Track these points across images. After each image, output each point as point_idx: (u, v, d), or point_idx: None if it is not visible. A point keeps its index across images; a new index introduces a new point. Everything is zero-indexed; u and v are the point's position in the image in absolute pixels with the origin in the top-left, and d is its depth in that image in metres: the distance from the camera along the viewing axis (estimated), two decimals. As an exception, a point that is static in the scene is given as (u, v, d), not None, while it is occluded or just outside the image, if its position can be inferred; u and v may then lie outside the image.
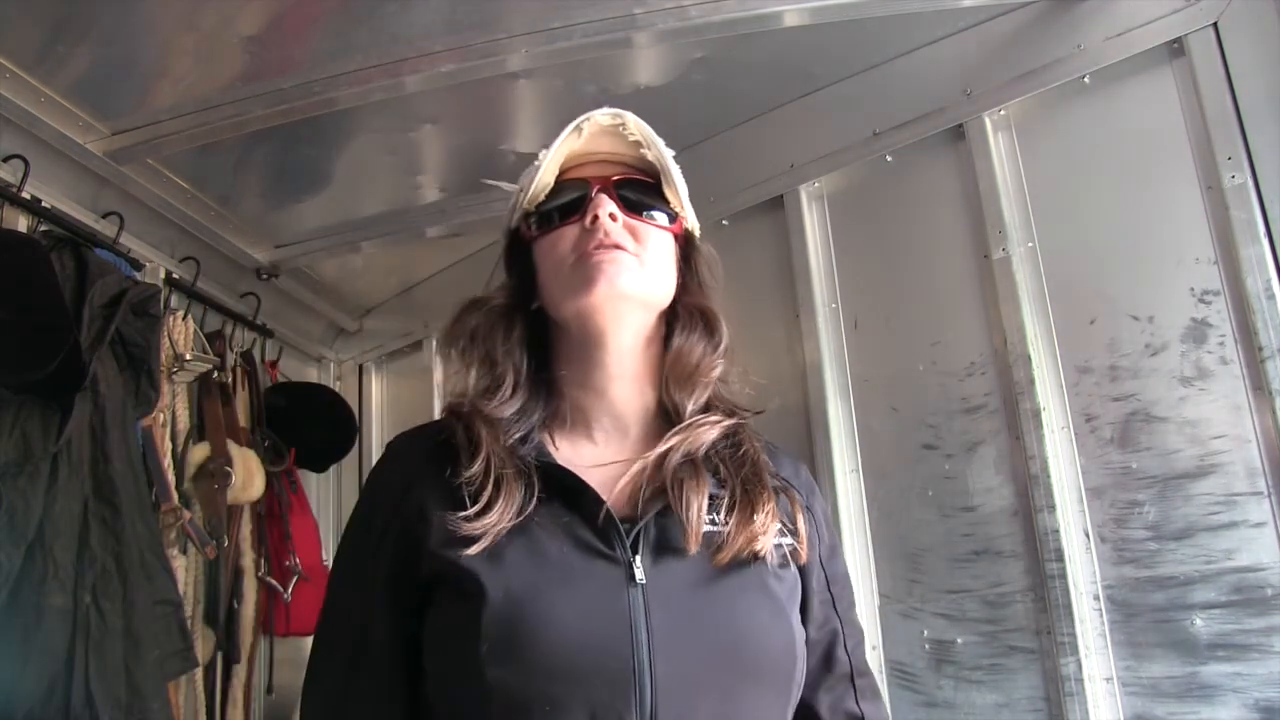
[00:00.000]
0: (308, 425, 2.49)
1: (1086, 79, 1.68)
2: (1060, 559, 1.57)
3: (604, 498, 0.90)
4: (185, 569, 1.99)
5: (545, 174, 0.96)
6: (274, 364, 2.62)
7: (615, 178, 0.98)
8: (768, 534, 0.91)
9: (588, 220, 0.95)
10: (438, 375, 2.64)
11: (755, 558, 0.90)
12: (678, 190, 1.01)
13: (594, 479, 0.92)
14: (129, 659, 1.63)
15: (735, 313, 2.16)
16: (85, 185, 1.97)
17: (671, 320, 1.02)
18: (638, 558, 0.86)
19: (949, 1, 1.74)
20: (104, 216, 2.00)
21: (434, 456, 0.94)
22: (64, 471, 1.64)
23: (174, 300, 2.21)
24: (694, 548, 0.88)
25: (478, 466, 0.89)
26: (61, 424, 1.64)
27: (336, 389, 2.87)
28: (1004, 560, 1.66)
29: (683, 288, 1.03)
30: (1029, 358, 1.66)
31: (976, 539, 1.70)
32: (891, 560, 1.80)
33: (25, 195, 1.78)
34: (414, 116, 1.94)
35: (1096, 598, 1.55)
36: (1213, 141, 1.52)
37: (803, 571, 0.97)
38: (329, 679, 0.94)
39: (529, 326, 1.01)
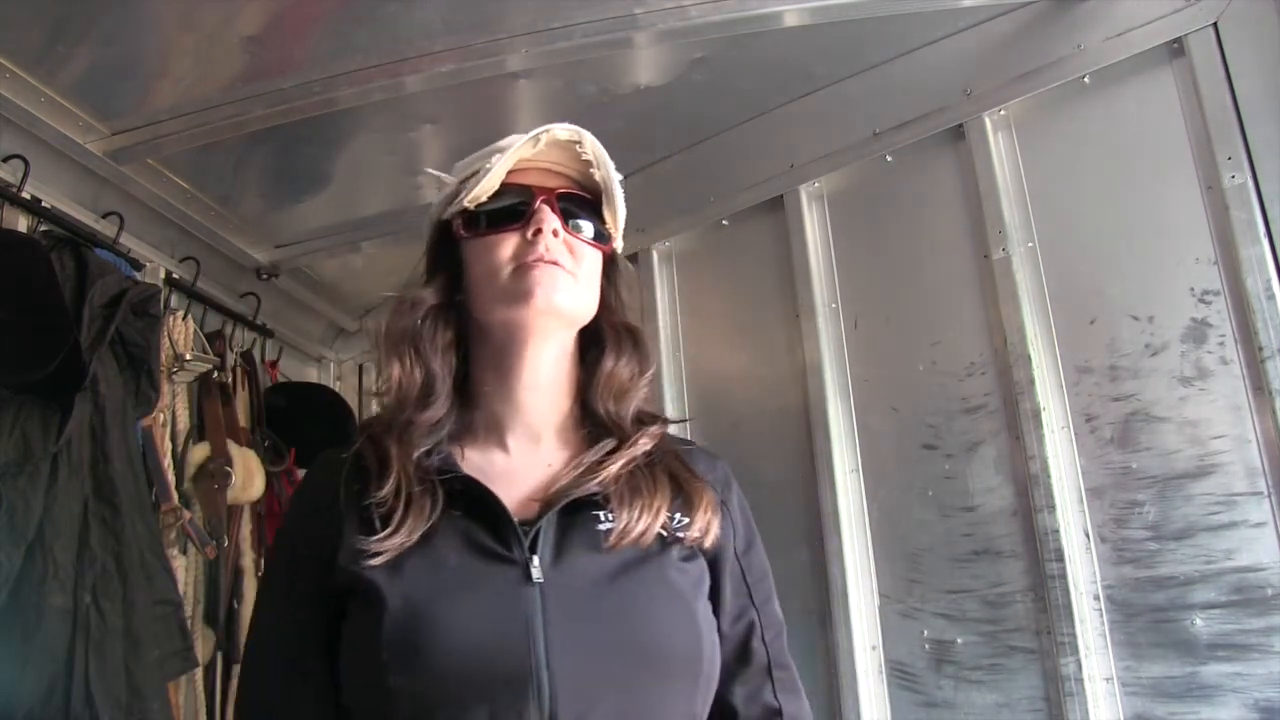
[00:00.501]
0: (308, 425, 2.49)
1: (1086, 79, 1.68)
2: (1060, 559, 1.57)
3: (508, 502, 0.91)
4: (185, 569, 1.99)
5: (493, 177, 0.95)
6: (274, 364, 2.62)
7: (559, 190, 0.98)
8: (656, 521, 0.92)
9: (530, 232, 0.95)
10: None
11: (658, 551, 0.91)
12: (616, 212, 1.01)
13: (501, 486, 0.93)
14: (129, 659, 1.63)
15: (735, 313, 2.18)
16: (85, 185, 1.97)
17: (591, 336, 1.03)
18: (535, 558, 0.87)
19: (949, 1, 1.74)
20: (104, 216, 2.00)
21: (349, 475, 0.95)
22: (64, 471, 1.64)
23: (174, 300, 2.21)
24: (615, 544, 0.90)
25: (388, 488, 0.90)
26: (61, 424, 1.64)
27: (336, 389, 2.87)
28: (1004, 560, 1.66)
29: (604, 305, 1.04)
30: (1029, 358, 1.66)
31: (976, 539, 1.70)
32: (891, 560, 1.80)
33: (25, 195, 1.78)
34: (414, 116, 1.94)
35: (1096, 598, 1.55)
36: (1213, 141, 1.52)
37: (714, 563, 0.97)
38: (261, 689, 0.96)
39: (457, 326, 1.02)
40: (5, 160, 1.77)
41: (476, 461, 0.98)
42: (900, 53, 1.90)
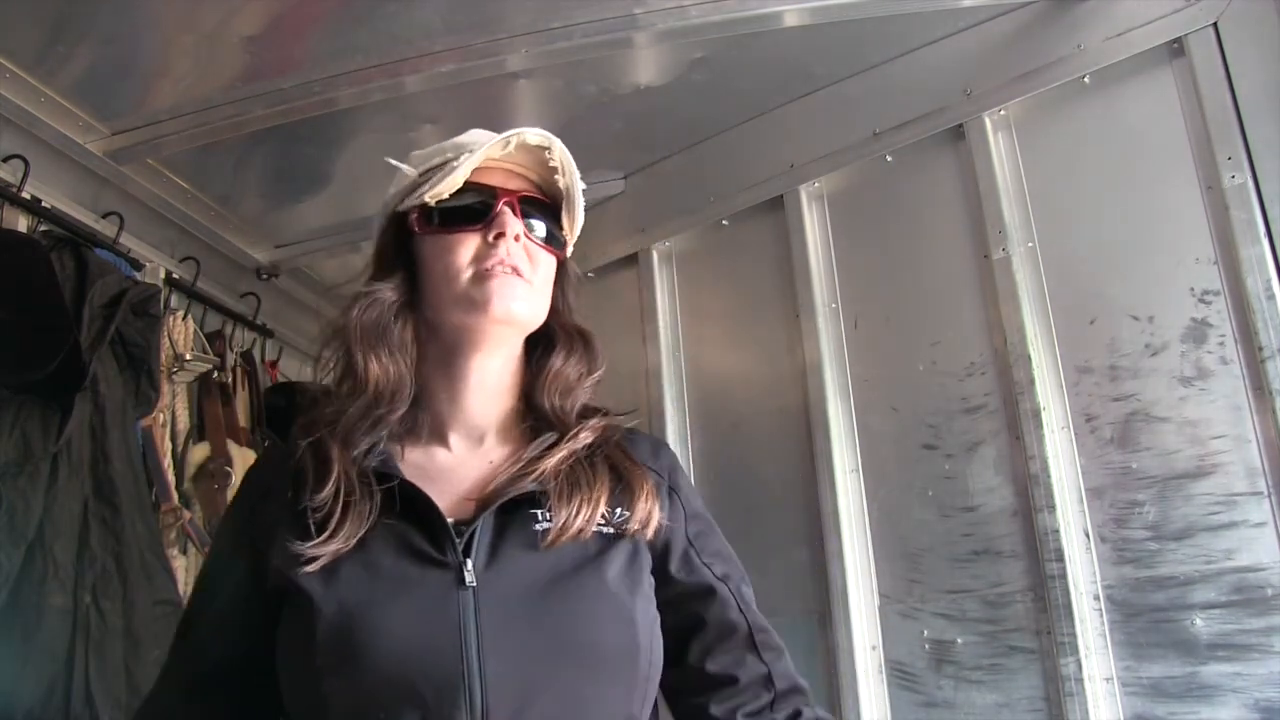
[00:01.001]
0: (308, 425, 2.48)
1: (1086, 79, 1.68)
2: (1060, 559, 1.57)
3: (445, 503, 0.90)
4: (185, 569, 1.99)
5: (459, 175, 0.94)
6: (274, 364, 2.62)
7: (522, 193, 0.98)
8: (595, 513, 0.91)
9: (491, 235, 0.94)
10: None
11: (597, 548, 0.91)
12: (575, 220, 1.02)
13: (440, 486, 0.93)
14: (129, 659, 1.63)
15: (735, 313, 2.19)
16: (85, 185, 1.97)
17: (538, 337, 1.02)
18: (469, 561, 0.86)
19: (949, 1, 1.75)
20: (104, 216, 2.00)
21: (285, 481, 0.94)
22: (64, 471, 1.64)
23: (174, 300, 2.21)
24: (553, 542, 0.89)
25: (327, 491, 0.89)
26: (61, 424, 1.64)
27: (336, 389, 2.87)
28: (1004, 560, 1.66)
29: (555, 308, 1.03)
30: (1029, 358, 1.66)
31: (976, 539, 1.70)
32: (891, 560, 1.80)
33: (25, 195, 1.78)
34: (414, 116, 1.94)
35: (1096, 598, 1.55)
36: (1213, 141, 1.52)
37: (664, 552, 0.97)
38: (168, 695, 0.97)
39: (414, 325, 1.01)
40: (5, 160, 1.77)
41: (418, 461, 0.97)
42: (900, 53, 1.90)
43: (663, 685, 0.94)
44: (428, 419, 0.99)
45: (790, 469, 1.95)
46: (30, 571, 1.57)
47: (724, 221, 2.15)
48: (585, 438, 0.97)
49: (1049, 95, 1.72)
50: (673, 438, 2.12)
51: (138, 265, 2.07)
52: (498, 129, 0.99)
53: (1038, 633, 1.60)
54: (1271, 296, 1.44)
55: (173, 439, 2.09)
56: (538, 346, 1.02)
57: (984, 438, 1.72)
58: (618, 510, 0.94)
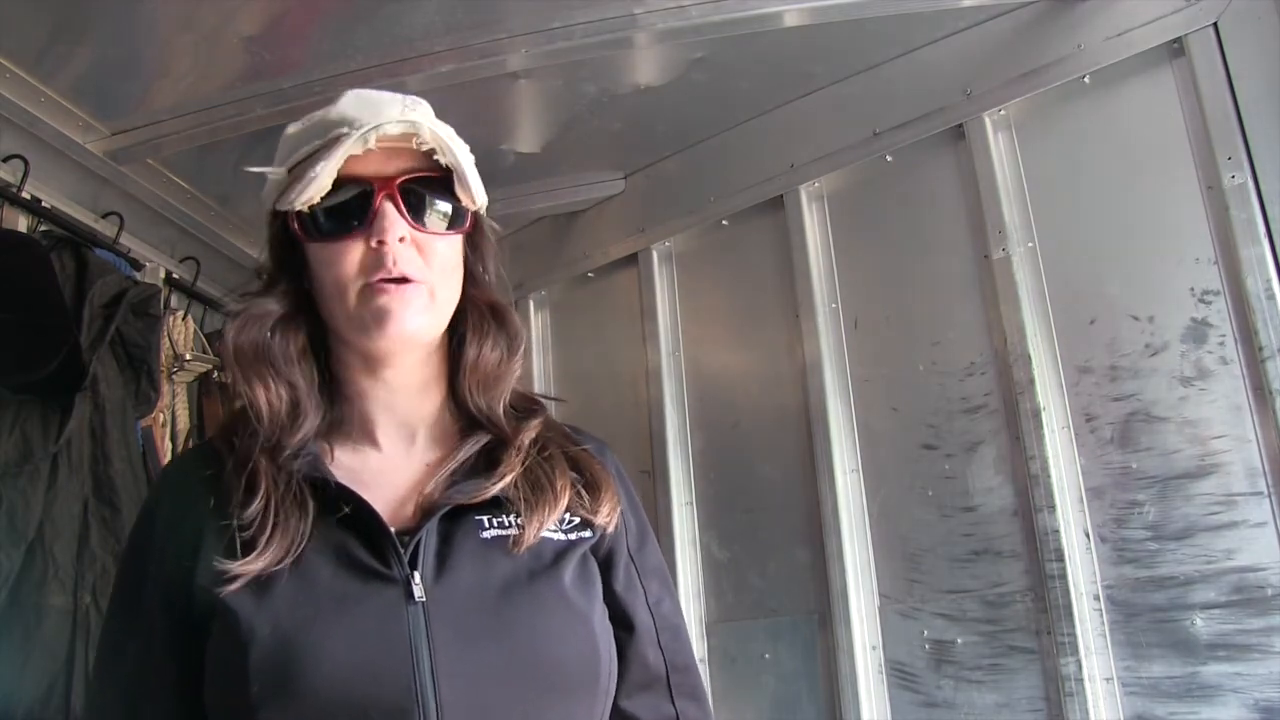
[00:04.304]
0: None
1: (1086, 79, 1.68)
2: (1060, 559, 1.57)
3: (383, 509, 0.83)
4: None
5: (322, 180, 0.84)
6: (274, 364, 2.61)
7: (402, 179, 0.86)
8: (556, 513, 0.87)
9: (373, 241, 0.84)
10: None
11: (552, 556, 0.85)
12: (471, 189, 0.89)
13: (376, 490, 0.86)
14: (129, 659, 1.63)
15: (735, 313, 2.18)
16: (85, 185, 1.97)
17: (460, 317, 0.93)
18: (417, 573, 0.80)
19: (949, 1, 1.74)
20: (104, 216, 2.00)
21: (206, 490, 0.86)
22: (64, 471, 1.64)
23: (174, 300, 2.21)
24: (516, 550, 0.84)
25: (255, 505, 0.81)
26: (61, 424, 1.64)
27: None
28: (1004, 560, 1.66)
29: (470, 280, 0.93)
30: (1029, 358, 1.66)
31: (976, 539, 1.70)
32: (891, 560, 1.80)
33: (25, 195, 1.78)
34: (414, 116, 1.94)
35: (1096, 598, 1.55)
36: (1213, 141, 1.52)
37: (607, 562, 0.92)
38: (108, 713, 0.87)
39: (308, 327, 0.92)
40: (5, 160, 1.77)
41: (348, 462, 0.90)
42: (900, 53, 1.90)
43: None
44: (354, 416, 0.92)
45: (790, 469, 1.95)
46: (30, 571, 1.57)
47: (724, 221, 2.15)
48: (531, 435, 0.91)
49: (1049, 95, 1.72)
50: (673, 438, 2.12)
51: (138, 265, 2.07)
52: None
53: (1038, 633, 1.60)
54: (1271, 296, 1.44)
55: (173, 439, 2.09)
56: (458, 330, 0.94)
57: (984, 438, 1.72)
58: (567, 515, 0.88)
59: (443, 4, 1.61)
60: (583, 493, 0.90)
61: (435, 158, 0.87)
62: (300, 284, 0.90)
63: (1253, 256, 1.46)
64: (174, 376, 2.11)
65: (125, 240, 2.01)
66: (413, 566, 0.80)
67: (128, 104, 1.82)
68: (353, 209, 0.85)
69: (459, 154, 0.88)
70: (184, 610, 0.82)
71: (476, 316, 0.93)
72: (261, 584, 0.79)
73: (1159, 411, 1.54)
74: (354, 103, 0.89)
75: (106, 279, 1.80)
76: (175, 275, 2.21)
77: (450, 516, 0.85)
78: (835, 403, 1.90)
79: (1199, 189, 1.53)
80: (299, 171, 0.87)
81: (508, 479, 0.86)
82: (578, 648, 0.83)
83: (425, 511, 0.85)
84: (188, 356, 2.13)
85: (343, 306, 0.86)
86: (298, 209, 0.85)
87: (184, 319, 2.18)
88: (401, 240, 0.84)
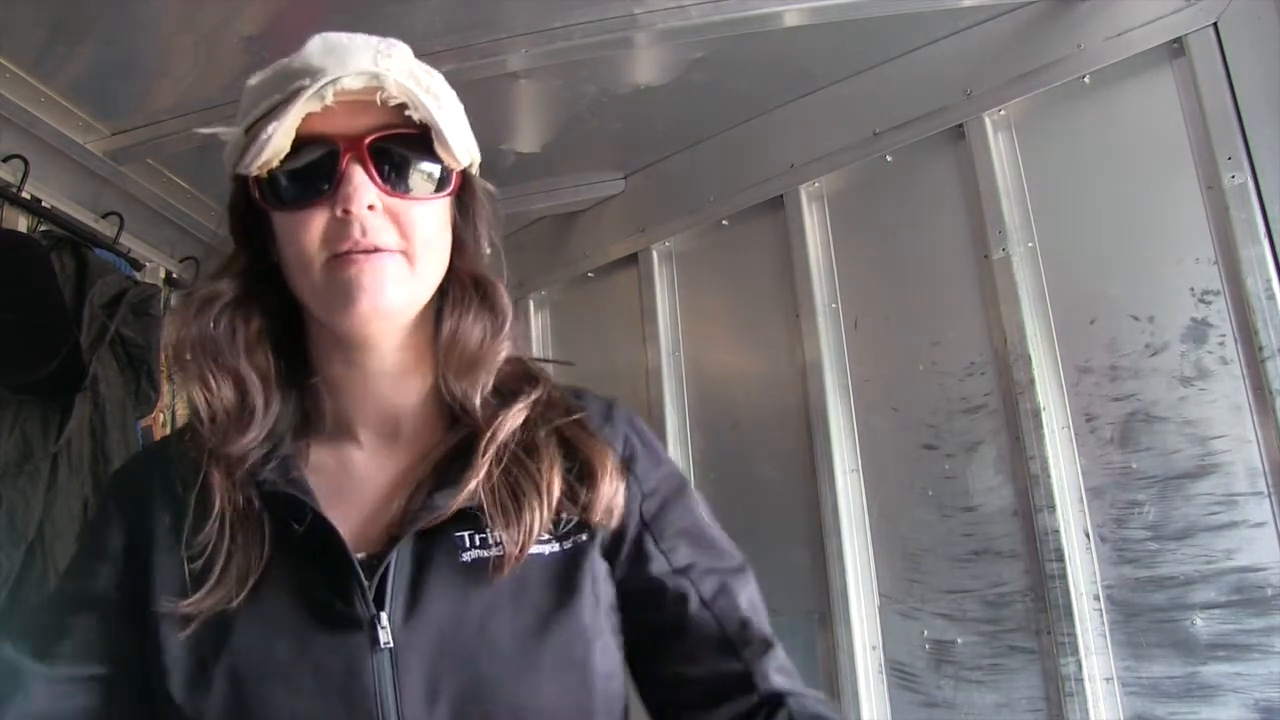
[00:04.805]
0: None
1: (1086, 79, 1.68)
2: (1060, 559, 1.57)
3: (354, 526, 0.73)
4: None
5: (279, 138, 0.71)
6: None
7: (373, 137, 0.72)
8: (542, 517, 0.73)
9: (339, 209, 0.71)
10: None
11: (541, 573, 0.73)
12: (451, 147, 0.75)
13: (351, 502, 0.76)
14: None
15: (735, 313, 2.18)
16: (85, 185, 1.97)
17: (443, 292, 0.80)
18: (384, 613, 0.69)
19: (949, 1, 1.74)
20: (104, 216, 2.00)
21: (159, 502, 0.77)
22: (64, 471, 1.64)
23: (174, 300, 2.21)
24: (495, 575, 0.71)
25: (207, 530, 0.71)
26: (61, 424, 1.64)
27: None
28: (1004, 560, 1.66)
29: (458, 248, 0.80)
30: (1029, 358, 1.66)
31: (976, 539, 1.70)
32: (891, 560, 1.80)
33: (25, 195, 1.78)
34: (414, 116, 1.94)
35: (1096, 598, 1.55)
36: (1213, 141, 1.52)
37: (613, 547, 0.78)
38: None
39: (268, 307, 0.79)
40: (5, 160, 1.77)
41: (325, 463, 0.79)
42: (900, 53, 1.90)
43: (644, 699, 0.80)
44: (331, 409, 0.80)
45: (790, 469, 1.95)
46: (30, 571, 1.57)
47: (724, 221, 2.15)
48: (509, 426, 0.76)
49: (1049, 95, 1.72)
50: (673, 438, 2.12)
51: (138, 265, 2.07)
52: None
53: (1038, 633, 1.60)
54: (1271, 296, 1.44)
55: (173, 439, 2.09)
56: (442, 305, 0.80)
57: (984, 438, 1.72)
58: (563, 516, 0.75)
59: (443, 4, 1.61)
60: (575, 486, 0.76)
61: (408, 113, 0.73)
62: (266, 259, 0.78)
63: (1253, 256, 1.46)
64: (174, 376, 2.11)
65: (125, 240, 2.01)
66: (380, 604, 0.69)
67: (128, 104, 1.82)
68: (317, 172, 0.72)
69: (437, 107, 0.75)
70: (140, 616, 0.73)
71: (458, 290, 0.79)
72: (215, 623, 0.70)
73: (1159, 411, 1.54)
74: (319, 49, 0.76)
75: (106, 279, 1.80)
76: (175, 275, 2.21)
77: (426, 534, 0.73)
78: (835, 403, 1.90)
79: (1199, 189, 1.53)
80: (255, 130, 0.74)
81: (470, 487, 0.73)
82: (567, 696, 0.72)
83: (393, 532, 0.73)
84: (188, 356, 2.13)
85: (307, 282, 0.73)
86: (254, 174, 0.73)
87: (184, 319, 2.18)
88: (372, 208, 0.72)
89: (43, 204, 1.84)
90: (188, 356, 0.76)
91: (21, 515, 1.57)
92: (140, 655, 0.72)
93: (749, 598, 0.80)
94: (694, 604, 0.77)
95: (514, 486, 0.74)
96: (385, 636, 0.69)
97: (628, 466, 0.80)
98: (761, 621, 0.79)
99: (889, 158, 1.92)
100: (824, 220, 2.02)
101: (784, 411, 1.98)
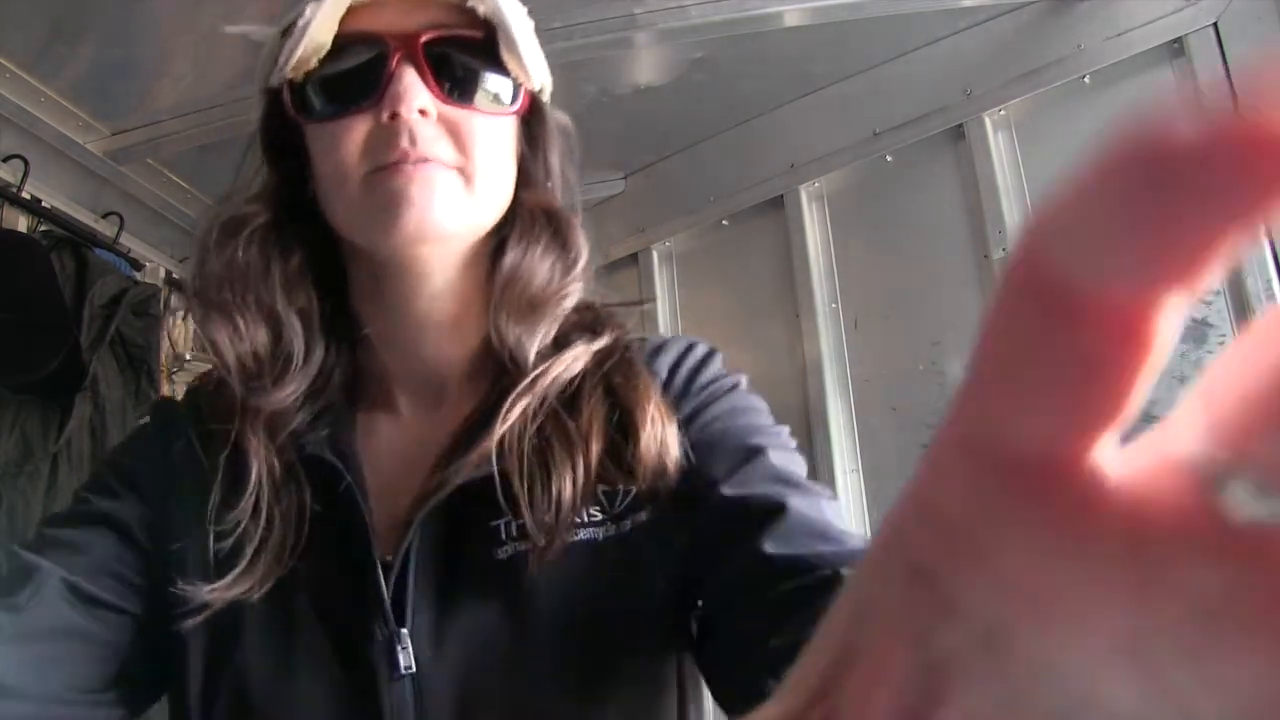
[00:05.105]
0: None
1: (1086, 79, 1.68)
2: (1060, 559, 1.57)
3: (385, 517, 0.60)
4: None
5: (318, 30, 0.60)
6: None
7: (425, 37, 0.60)
8: (584, 504, 0.59)
9: (385, 114, 0.59)
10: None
11: (587, 580, 0.58)
12: (521, 55, 0.64)
13: (386, 484, 0.62)
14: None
15: (735, 313, 2.18)
16: (85, 185, 1.97)
17: (505, 223, 0.66)
18: (405, 631, 0.56)
19: (949, 1, 1.74)
20: (104, 216, 2.00)
21: (177, 472, 0.64)
22: (64, 471, 1.65)
23: (174, 300, 2.21)
24: (531, 570, 0.57)
25: (243, 504, 0.58)
26: (61, 424, 1.64)
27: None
28: (1004, 560, 1.66)
29: (524, 179, 0.67)
30: (1029, 358, 1.66)
31: (976, 539, 1.70)
32: (891, 560, 1.80)
33: (25, 195, 1.78)
34: (414, 116, 1.94)
35: (1096, 598, 1.54)
36: (1213, 141, 1.52)
37: (674, 510, 0.60)
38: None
39: (309, 244, 0.66)
40: (5, 160, 1.77)
41: (380, 432, 0.66)
42: (900, 53, 1.90)
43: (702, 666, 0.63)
44: (371, 369, 0.67)
45: (790, 469, 1.95)
46: (30, 571, 1.57)
47: (724, 221, 2.15)
48: (557, 375, 0.62)
49: (1049, 95, 1.72)
50: (673, 438, 2.12)
51: (138, 265, 2.07)
52: None
53: (1038, 633, 1.60)
54: (1272, 296, 1.44)
55: (173, 439, 2.09)
56: (504, 240, 0.66)
57: (984, 438, 1.72)
58: (620, 488, 0.60)
59: (443, 4, 1.61)
60: (620, 443, 0.60)
61: (470, 4, 0.62)
62: (302, 189, 0.65)
63: (1253, 256, 1.46)
64: (174, 376, 2.11)
65: (125, 240, 2.01)
66: (399, 620, 0.56)
67: (128, 104, 1.82)
68: (362, 75, 0.60)
69: (507, 5, 0.64)
70: (151, 587, 0.61)
71: (526, 222, 0.66)
72: (228, 615, 0.58)
73: (1159, 411, 1.52)
74: None
75: (106, 279, 1.80)
76: (175, 275, 2.21)
77: (457, 523, 0.59)
78: (835, 403, 1.91)
79: (1199, 189, 1.53)
80: (293, 31, 0.62)
81: (486, 448, 0.58)
82: (644, 708, 0.60)
83: (421, 521, 0.58)
84: (188, 356, 2.13)
85: (343, 200, 0.61)
86: (290, 77, 0.62)
87: (184, 319, 2.18)
88: (424, 114, 0.59)
89: (43, 204, 1.84)
90: (211, 293, 0.63)
91: (21, 515, 1.57)
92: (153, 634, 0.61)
93: (794, 470, 0.65)
94: (736, 522, 0.58)
95: (544, 449, 0.58)
96: (406, 659, 0.55)
97: (680, 400, 0.65)
98: (800, 476, 0.64)
99: (889, 158, 1.92)
100: (824, 220, 2.02)
101: (784, 411, 1.95)
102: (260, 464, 0.60)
